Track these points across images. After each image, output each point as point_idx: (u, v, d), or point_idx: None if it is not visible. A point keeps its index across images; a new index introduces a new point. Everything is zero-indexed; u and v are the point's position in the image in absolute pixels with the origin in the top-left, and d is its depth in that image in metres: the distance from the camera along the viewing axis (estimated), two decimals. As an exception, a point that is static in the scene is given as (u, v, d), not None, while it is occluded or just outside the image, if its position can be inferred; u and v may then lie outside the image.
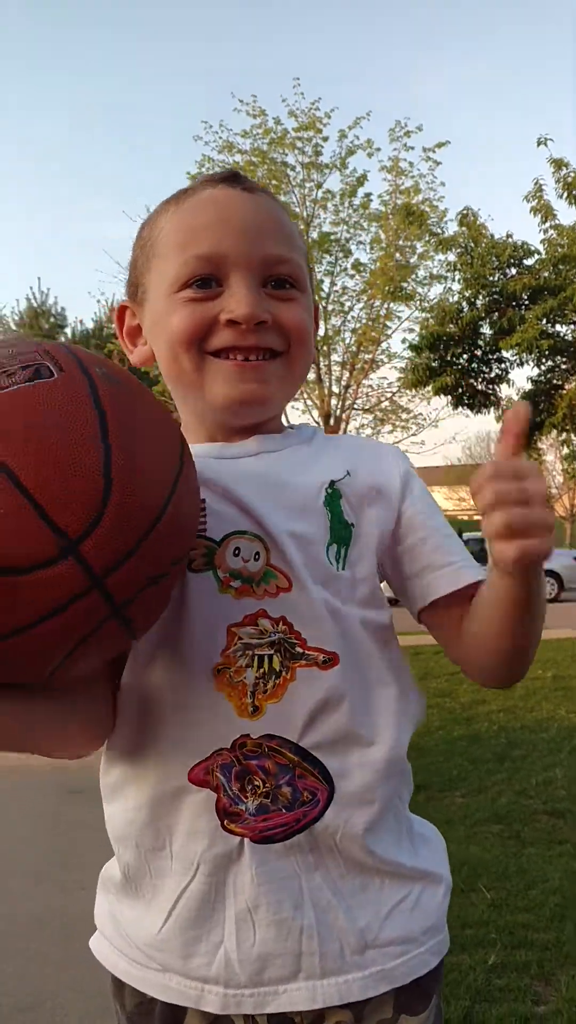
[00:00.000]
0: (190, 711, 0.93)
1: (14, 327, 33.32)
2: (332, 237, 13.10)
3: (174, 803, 0.94)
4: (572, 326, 12.25)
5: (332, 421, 13.24)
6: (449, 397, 13.34)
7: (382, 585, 1.04)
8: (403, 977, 0.97)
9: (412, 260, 13.35)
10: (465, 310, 12.80)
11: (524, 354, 12.40)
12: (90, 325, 33.57)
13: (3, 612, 0.72)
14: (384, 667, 1.00)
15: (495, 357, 13.18)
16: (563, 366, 12.74)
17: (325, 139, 12.85)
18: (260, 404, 1.00)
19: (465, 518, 34.01)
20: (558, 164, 11.83)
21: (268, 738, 0.92)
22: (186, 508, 0.82)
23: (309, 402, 13.31)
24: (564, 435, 13.45)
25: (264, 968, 0.93)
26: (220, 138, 12.84)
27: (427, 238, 12.99)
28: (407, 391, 14.22)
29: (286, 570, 0.95)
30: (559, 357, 12.60)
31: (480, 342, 13.05)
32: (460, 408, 13.55)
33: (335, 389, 13.34)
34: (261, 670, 0.93)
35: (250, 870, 0.93)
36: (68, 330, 33.91)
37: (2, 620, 0.73)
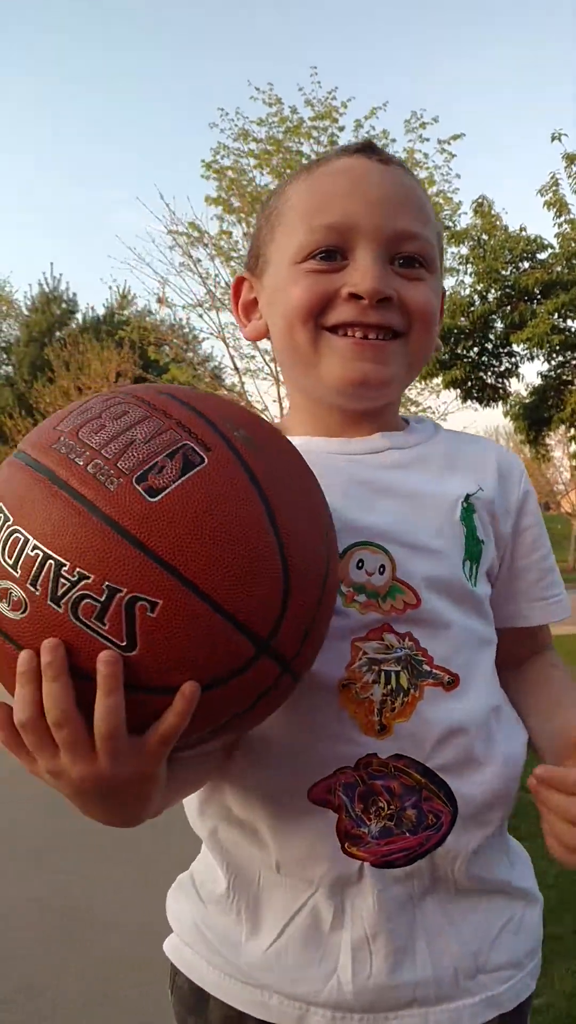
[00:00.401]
0: (312, 727, 0.87)
1: (26, 312, 33.33)
2: (345, 228, 13.07)
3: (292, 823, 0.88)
4: (584, 322, 12.20)
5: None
6: (458, 391, 13.30)
7: None
8: (509, 1002, 0.93)
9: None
10: (477, 303, 12.75)
11: (535, 349, 12.36)
12: (101, 311, 33.56)
13: (202, 719, 0.70)
14: (496, 687, 0.97)
15: (506, 351, 13.14)
16: (573, 362, 12.70)
17: (341, 129, 12.78)
18: (377, 387, 0.93)
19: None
20: (571, 159, 11.76)
21: (396, 758, 0.87)
22: (335, 563, 0.80)
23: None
24: (573, 431, 13.41)
25: (379, 998, 0.88)
26: (236, 126, 12.79)
27: (441, 230, 12.94)
28: (416, 383, 14.20)
29: (415, 586, 0.89)
30: (570, 352, 12.55)
31: (491, 336, 13.00)
32: (469, 402, 13.52)
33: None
34: (388, 687, 0.87)
35: (371, 896, 0.88)
36: (79, 315, 33.90)
37: (199, 724, 0.71)
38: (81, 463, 0.68)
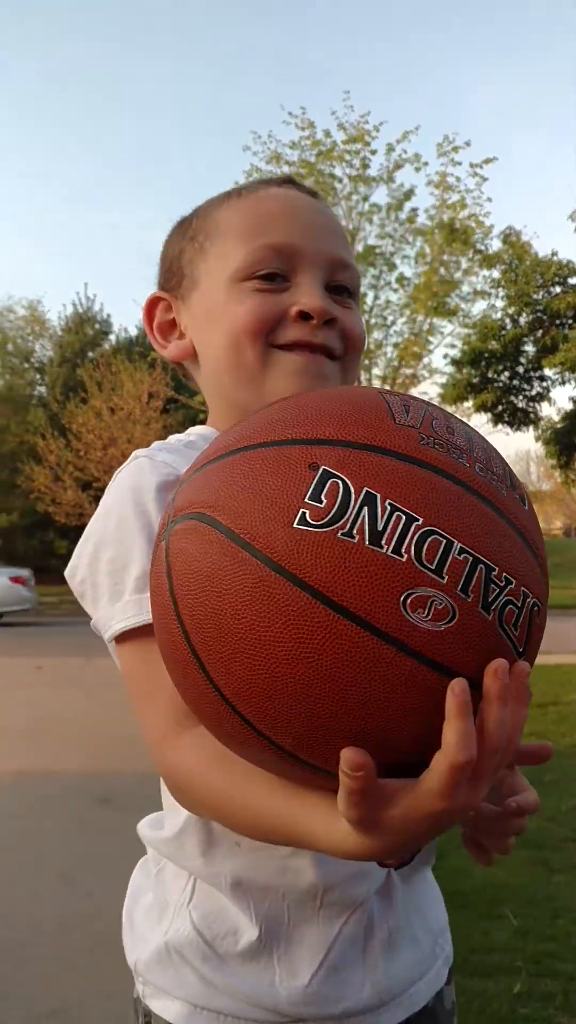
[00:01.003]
0: None
1: (60, 332, 33.73)
2: (377, 250, 13.11)
3: None
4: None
5: (371, 435, 13.21)
6: (489, 414, 13.25)
7: None
8: (451, 956, 1.00)
9: (456, 276, 13.32)
10: (508, 327, 12.73)
11: (567, 373, 12.29)
12: (134, 332, 33.88)
13: None
14: None
15: (537, 375, 13.08)
16: (606, 386, 12.61)
17: (373, 152, 12.89)
18: None
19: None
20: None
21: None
22: None
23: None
24: (605, 456, 13.29)
25: (404, 982, 0.91)
26: (268, 149, 12.92)
27: (471, 254, 12.96)
28: (447, 406, 14.18)
29: None
30: (602, 377, 12.47)
31: (522, 360, 12.95)
32: (500, 426, 13.45)
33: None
34: None
35: (395, 897, 0.90)
36: (112, 337, 34.26)
37: None
38: (467, 465, 0.64)
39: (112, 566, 0.83)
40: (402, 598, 0.57)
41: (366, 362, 13.11)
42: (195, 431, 0.96)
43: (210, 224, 0.96)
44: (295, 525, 0.58)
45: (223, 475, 0.64)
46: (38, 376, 34.44)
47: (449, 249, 12.92)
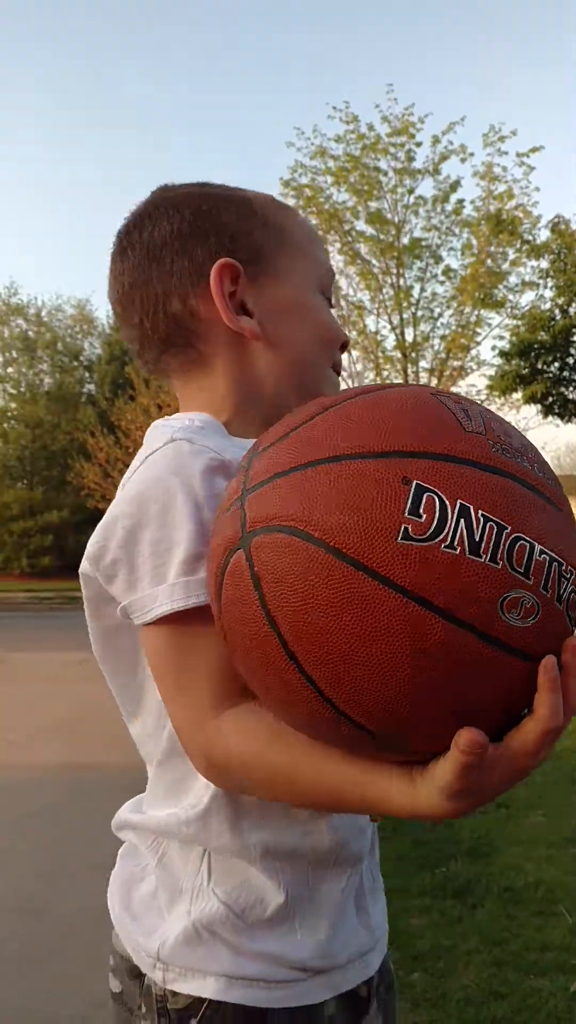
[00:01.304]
0: None
1: (108, 330, 34.07)
2: (423, 243, 13.02)
3: None
4: None
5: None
6: (539, 406, 13.08)
7: None
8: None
9: (503, 267, 13.17)
10: (557, 317, 12.55)
11: (618, 363, 12.09)
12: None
13: None
14: None
15: (588, 366, 12.88)
16: None
17: (418, 144, 12.79)
18: None
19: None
20: None
21: None
22: None
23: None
24: None
25: (382, 925, 0.99)
26: (313, 144, 12.89)
27: (519, 244, 12.81)
28: (496, 399, 14.03)
29: None
30: None
31: (572, 350, 12.77)
32: (550, 417, 13.28)
33: (422, 396, 13.19)
34: None
35: (375, 847, 0.98)
36: (159, 334, 34.42)
37: None
38: (528, 467, 0.69)
39: (155, 547, 0.81)
40: (500, 602, 0.63)
41: (413, 355, 13.03)
42: (198, 417, 0.91)
43: (280, 220, 0.97)
44: (399, 540, 0.62)
45: (313, 487, 0.66)
46: (87, 374, 34.83)
47: (496, 240, 12.78)
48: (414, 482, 0.63)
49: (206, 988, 0.87)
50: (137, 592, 0.82)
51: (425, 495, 0.63)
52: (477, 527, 0.63)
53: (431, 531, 0.62)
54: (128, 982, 0.93)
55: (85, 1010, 2.53)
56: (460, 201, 13.03)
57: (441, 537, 0.62)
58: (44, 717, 6.80)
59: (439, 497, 0.63)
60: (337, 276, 13.07)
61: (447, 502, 0.63)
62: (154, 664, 0.85)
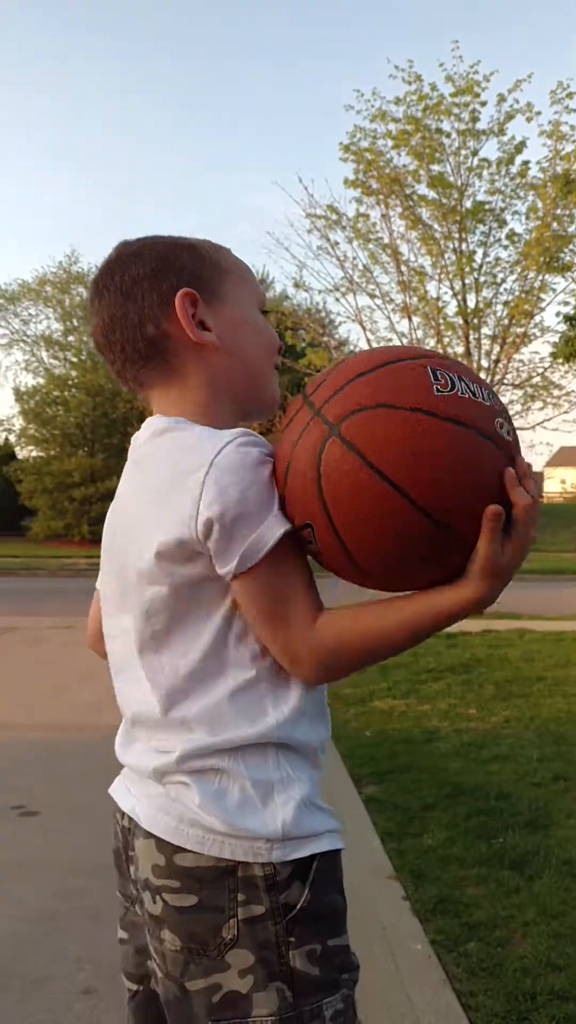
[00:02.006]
0: None
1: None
2: (486, 207, 12.74)
3: None
4: None
5: (480, 396, 12.93)
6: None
7: None
8: None
9: (570, 230, 12.83)
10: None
11: None
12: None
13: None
14: None
15: None
16: None
17: (483, 104, 12.45)
18: None
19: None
20: None
21: None
22: None
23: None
24: None
25: None
26: (373, 107, 12.65)
27: (587, 206, 12.46)
28: (560, 366, 13.75)
29: None
30: None
31: None
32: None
33: (484, 363, 12.99)
34: None
35: None
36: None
37: None
38: (483, 392, 1.06)
39: (259, 506, 1.05)
40: (496, 421, 1.04)
41: (474, 321, 12.81)
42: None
43: (219, 258, 1.26)
44: (435, 392, 1.01)
45: (371, 383, 1.02)
46: (147, 343, 34.96)
47: (563, 202, 12.44)
48: (430, 367, 1.03)
49: (321, 844, 1.11)
50: (256, 530, 1.04)
51: (439, 372, 1.03)
52: (471, 386, 1.04)
53: (449, 387, 1.02)
54: (210, 890, 1.07)
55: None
56: (526, 163, 12.67)
57: (456, 389, 1.02)
58: (110, 682, 6.92)
59: (447, 373, 1.03)
60: (398, 241, 12.93)
61: (452, 375, 1.03)
62: (259, 599, 1.07)
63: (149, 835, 1.12)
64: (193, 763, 1.11)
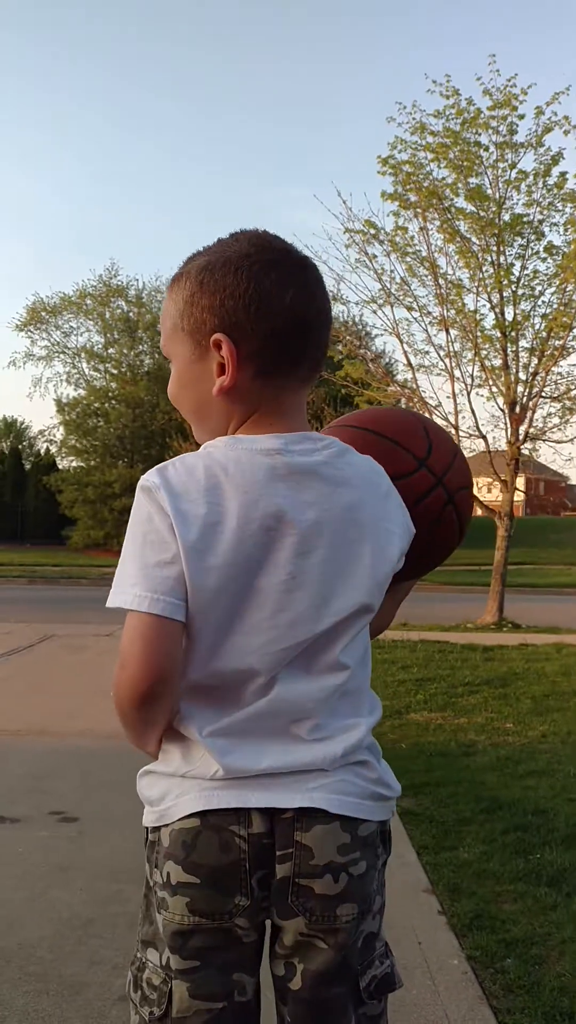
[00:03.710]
0: None
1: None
2: (524, 219, 12.68)
3: None
4: None
5: (518, 409, 12.86)
6: None
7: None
8: None
9: (610, 241, 12.72)
10: None
11: None
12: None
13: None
14: None
15: None
16: None
17: (521, 117, 12.41)
18: None
19: None
20: None
21: None
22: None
23: (495, 388, 12.98)
24: None
25: None
26: (413, 119, 12.66)
27: (627, 218, 12.36)
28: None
29: None
30: None
31: None
32: None
33: (522, 376, 12.91)
34: None
35: None
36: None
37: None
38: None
39: None
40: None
41: (512, 334, 12.73)
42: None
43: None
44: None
45: (464, 468, 1.50)
46: (185, 355, 35.18)
47: (602, 214, 12.36)
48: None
49: None
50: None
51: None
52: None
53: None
54: (371, 850, 1.22)
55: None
56: (563, 174, 12.61)
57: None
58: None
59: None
60: (435, 254, 12.91)
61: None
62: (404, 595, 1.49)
63: (332, 819, 1.16)
64: (367, 740, 1.24)
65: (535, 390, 12.94)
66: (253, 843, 1.15)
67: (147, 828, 1.26)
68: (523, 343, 12.96)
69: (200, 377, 1.22)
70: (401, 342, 13.39)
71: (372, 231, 12.93)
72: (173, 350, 1.26)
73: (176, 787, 1.20)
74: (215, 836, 1.15)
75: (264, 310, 1.16)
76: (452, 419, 13.17)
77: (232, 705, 1.17)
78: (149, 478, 1.14)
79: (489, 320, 12.91)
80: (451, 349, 13.12)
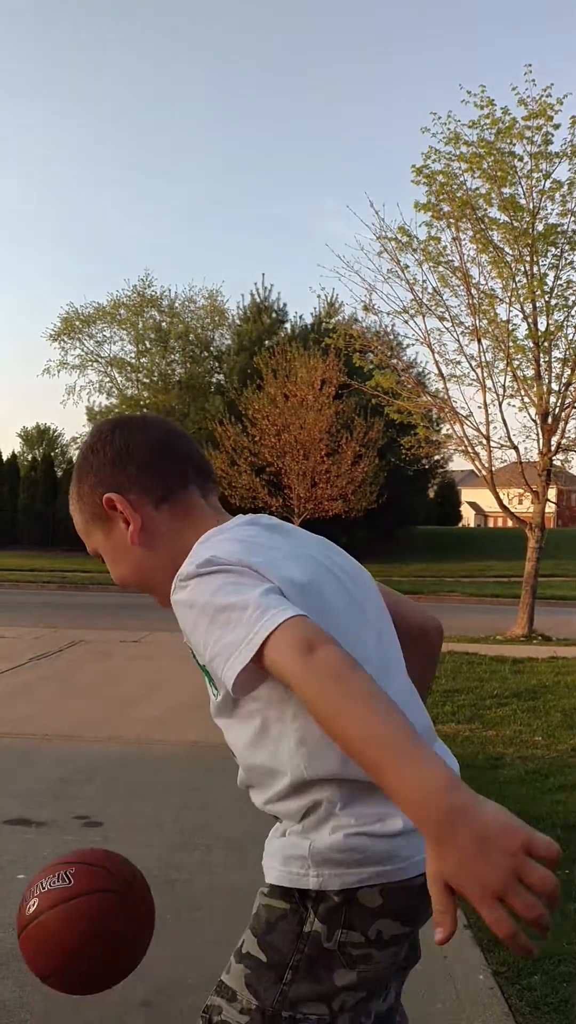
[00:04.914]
0: None
1: (238, 322, 34.51)
2: (558, 229, 12.60)
3: None
4: None
5: (550, 419, 12.76)
6: None
7: None
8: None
9: None
10: None
11: None
12: (309, 320, 34.16)
13: None
14: None
15: None
16: None
17: (556, 127, 12.35)
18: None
19: None
20: None
21: None
22: None
23: (527, 399, 12.89)
24: None
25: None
26: (448, 129, 12.64)
27: None
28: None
29: None
30: None
31: None
32: None
33: (554, 387, 12.81)
34: None
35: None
36: (287, 325, 34.68)
37: None
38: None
39: None
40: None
41: (545, 344, 12.64)
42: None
43: None
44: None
45: None
46: (216, 364, 35.39)
47: None
48: None
49: None
50: None
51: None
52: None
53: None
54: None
55: (207, 979, 2.59)
56: (599, 184, 12.53)
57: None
58: (179, 696, 6.99)
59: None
60: (468, 264, 12.87)
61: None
62: None
63: None
64: None
65: (568, 401, 12.84)
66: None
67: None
68: (556, 353, 12.87)
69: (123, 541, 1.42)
70: (433, 352, 13.35)
71: (405, 239, 12.91)
72: (94, 541, 1.45)
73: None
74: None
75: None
76: (483, 429, 13.10)
77: None
78: None
79: (522, 330, 12.85)
80: (483, 359, 13.06)
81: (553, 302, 12.66)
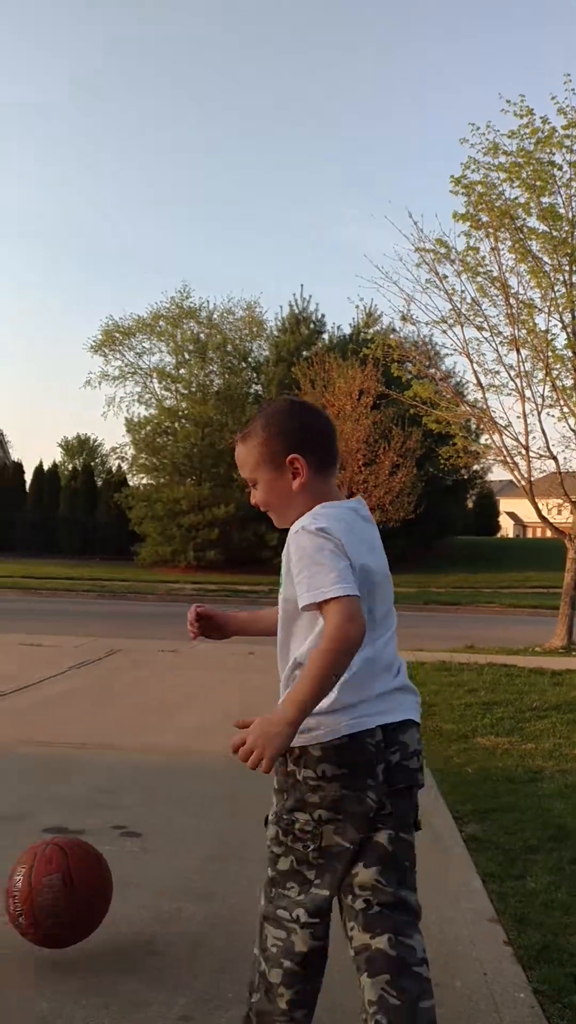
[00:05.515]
0: None
1: (277, 333, 34.62)
2: (599, 237, 12.48)
3: None
4: None
5: (590, 430, 12.63)
6: None
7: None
8: None
9: None
10: None
11: None
12: (347, 330, 34.18)
13: None
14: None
15: None
16: None
17: (597, 135, 12.24)
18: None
19: None
20: None
21: None
22: None
23: (566, 409, 12.77)
24: None
25: None
26: (487, 139, 12.60)
27: None
28: None
29: None
30: None
31: None
32: None
33: (597, 397, 12.69)
34: None
35: None
36: (326, 336, 34.72)
37: None
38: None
39: None
40: None
41: (584, 354, 12.52)
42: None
43: None
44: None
45: None
46: (254, 375, 35.52)
47: None
48: None
49: None
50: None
51: None
52: None
53: None
54: None
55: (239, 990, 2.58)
56: None
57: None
58: (214, 707, 7.00)
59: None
60: (507, 274, 12.80)
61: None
62: None
63: (416, 724, 1.96)
64: None
65: (607, 411, 12.68)
66: (375, 750, 1.90)
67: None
68: (593, 364, 12.74)
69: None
70: (471, 362, 13.30)
71: (443, 250, 12.88)
72: (257, 474, 2.04)
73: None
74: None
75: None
76: (522, 439, 13.00)
77: None
78: None
79: (561, 340, 12.74)
80: (522, 369, 12.98)
81: (590, 312, 12.54)
